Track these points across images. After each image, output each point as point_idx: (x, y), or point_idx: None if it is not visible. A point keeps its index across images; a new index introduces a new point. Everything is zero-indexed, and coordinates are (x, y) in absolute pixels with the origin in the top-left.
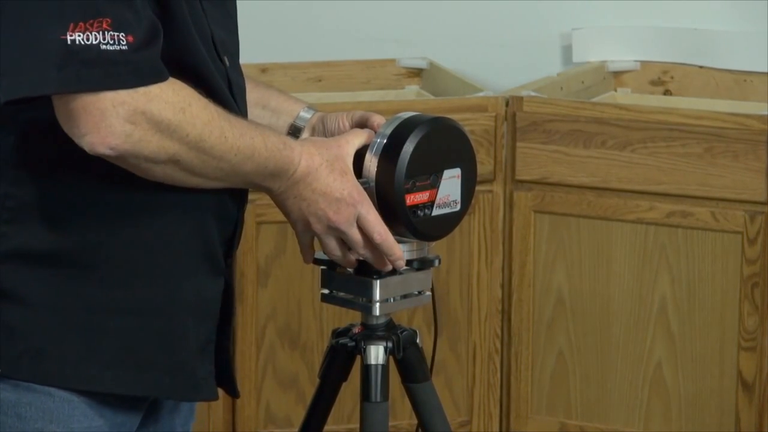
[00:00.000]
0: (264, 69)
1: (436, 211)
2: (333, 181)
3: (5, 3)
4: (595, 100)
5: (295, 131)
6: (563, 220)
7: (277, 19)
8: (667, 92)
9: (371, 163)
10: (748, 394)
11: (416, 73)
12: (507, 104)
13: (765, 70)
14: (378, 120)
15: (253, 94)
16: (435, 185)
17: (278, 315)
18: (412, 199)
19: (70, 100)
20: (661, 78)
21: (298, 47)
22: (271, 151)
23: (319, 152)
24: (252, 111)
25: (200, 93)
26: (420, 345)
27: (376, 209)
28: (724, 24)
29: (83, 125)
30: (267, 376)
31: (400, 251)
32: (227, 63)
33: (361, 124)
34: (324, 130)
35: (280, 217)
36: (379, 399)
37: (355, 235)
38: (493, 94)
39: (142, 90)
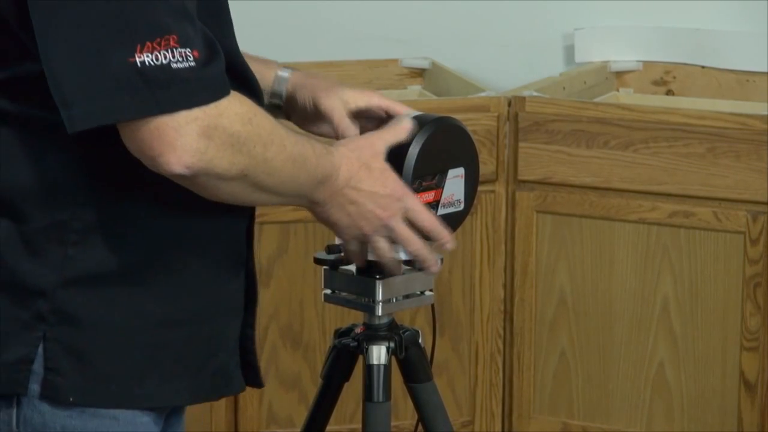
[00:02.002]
0: None
1: (440, 211)
2: (375, 180)
3: (64, 27)
4: (597, 100)
5: (275, 96)
6: (565, 220)
7: (278, 19)
8: (669, 92)
9: None
10: (750, 394)
11: (419, 73)
12: (509, 104)
13: (767, 71)
14: (394, 107)
15: None
16: (440, 185)
17: (280, 315)
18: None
19: (142, 123)
20: (664, 78)
21: (300, 47)
22: (318, 157)
23: (356, 154)
24: None
25: (247, 95)
26: (422, 345)
27: None
28: (726, 24)
29: (157, 146)
30: (269, 376)
31: (447, 234)
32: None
33: (360, 113)
34: (296, 107)
35: (283, 216)
36: (381, 399)
37: (405, 230)
38: (495, 94)
39: (213, 105)
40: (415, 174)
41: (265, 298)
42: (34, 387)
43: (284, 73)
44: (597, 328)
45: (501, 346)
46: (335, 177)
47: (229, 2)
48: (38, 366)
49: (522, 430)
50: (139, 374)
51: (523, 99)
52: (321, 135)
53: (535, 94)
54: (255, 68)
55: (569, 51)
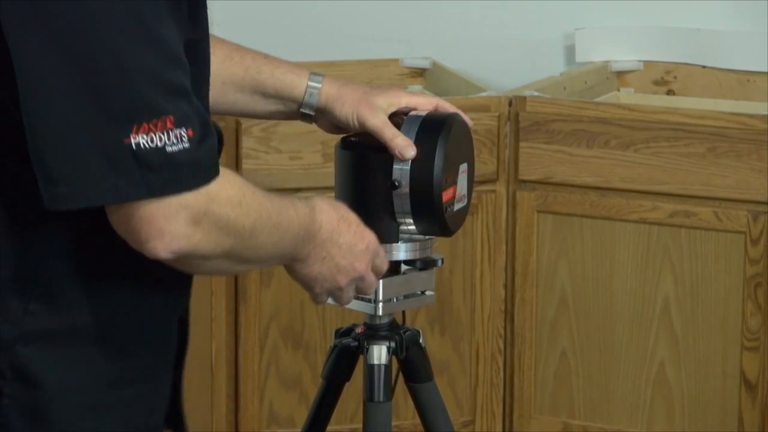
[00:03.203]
0: None
1: (456, 207)
2: (353, 234)
3: (57, 98)
4: (598, 100)
5: (307, 107)
6: (566, 220)
7: (279, 19)
8: (670, 92)
9: (403, 164)
10: (751, 394)
11: (419, 72)
12: (510, 104)
13: None
14: (419, 103)
15: (244, 77)
16: (455, 181)
17: (281, 315)
18: (445, 195)
19: (132, 208)
20: (664, 78)
21: (301, 47)
22: (301, 218)
23: (333, 208)
24: (255, 100)
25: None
26: (423, 345)
27: (409, 208)
28: (727, 24)
29: (145, 232)
30: (270, 376)
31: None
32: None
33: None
34: (336, 120)
35: None
36: (382, 399)
37: (373, 278)
38: (496, 94)
39: (204, 190)
40: (444, 170)
41: (266, 299)
42: None
43: (316, 84)
44: (598, 327)
45: (502, 345)
46: (318, 232)
47: (229, 4)
48: None
49: (523, 429)
50: None
51: (523, 99)
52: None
53: (535, 93)
54: (283, 76)
55: (570, 51)
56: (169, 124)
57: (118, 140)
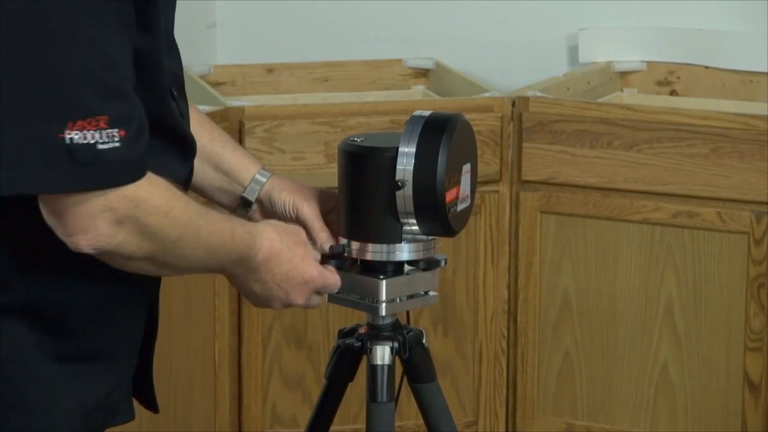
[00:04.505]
0: (270, 69)
1: (459, 207)
2: (293, 267)
3: (4, 92)
4: (601, 100)
5: (245, 203)
6: (569, 221)
7: (283, 19)
8: (673, 93)
9: (406, 164)
10: (754, 394)
11: (422, 73)
12: (513, 104)
13: None
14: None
15: (206, 146)
16: (458, 181)
17: (284, 315)
18: (448, 196)
19: (58, 199)
20: (668, 78)
21: (304, 47)
22: (237, 243)
23: (281, 238)
24: (204, 168)
25: (174, 149)
26: (426, 345)
27: (412, 208)
28: (730, 24)
29: (70, 227)
30: (273, 377)
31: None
32: (175, 93)
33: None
34: (271, 208)
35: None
36: (385, 399)
37: (313, 303)
38: (499, 95)
39: (131, 195)
40: (446, 170)
41: None
42: None
43: (262, 177)
44: (601, 328)
45: (505, 346)
46: (252, 257)
47: (231, 4)
48: None
49: (526, 430)
50: (36, 406)
51: (527, 99)
52: None
53: (539, 94)
54: (240, 159)
55: (573, 51)
56: (102, 124)
57: (53, 134)
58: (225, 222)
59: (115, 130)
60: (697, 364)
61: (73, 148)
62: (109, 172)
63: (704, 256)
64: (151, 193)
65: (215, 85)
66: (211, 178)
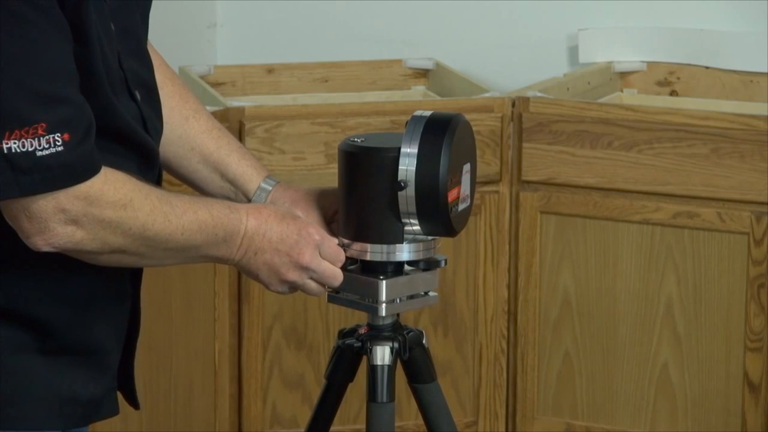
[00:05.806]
0: (270, 69)
1: (460, 207)
2: (286, 226)
3: None
4: (601, 100)
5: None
6: (569, 221)
7: (283, 20)
8: (673, 93)
9: (408, 164)
10: (754, 395)
11: (422, 73)
12: (513, 105)
13: None
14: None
15: (213, 153)
16: (459, 181)
17: (284, 315)
18: (450, 196)
19: (11, 205)
20: (668, 79)
21: (304, 48)
22: (217, 219)
23: (264, 206)
24: (213, 177)
25: (124, 151)
26: (426, 346)
27: (414, 209)
28: (730, 25)
29: (26, 230)
30: (273, 377)
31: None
32: (139, 97)
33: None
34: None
35: None
36: (385, 399)
37: (324, 267)
38: (499, 95)
39: (82, 195)
40: (448, 170)
41: (269, 299)
42: None
43: (267, 186)
44: (601, 328)
45: (505, 346)
46: (242, 230)
47: (231, 5)
48: None
49: (526, 430)
50: (10, 397)
51: (527, 99)
52: None
53: (539, 94)
54: (245, 168)
55: (573, 51)
56: (40, 131)
57: None
58: (198, 201)
59: (57, 134)
60: (697, 364)
61: (11, 156)
62: (52, 176)
63: (704, 257)
64: (105, 189)
65: (215, 85)
66: (219, 187)
